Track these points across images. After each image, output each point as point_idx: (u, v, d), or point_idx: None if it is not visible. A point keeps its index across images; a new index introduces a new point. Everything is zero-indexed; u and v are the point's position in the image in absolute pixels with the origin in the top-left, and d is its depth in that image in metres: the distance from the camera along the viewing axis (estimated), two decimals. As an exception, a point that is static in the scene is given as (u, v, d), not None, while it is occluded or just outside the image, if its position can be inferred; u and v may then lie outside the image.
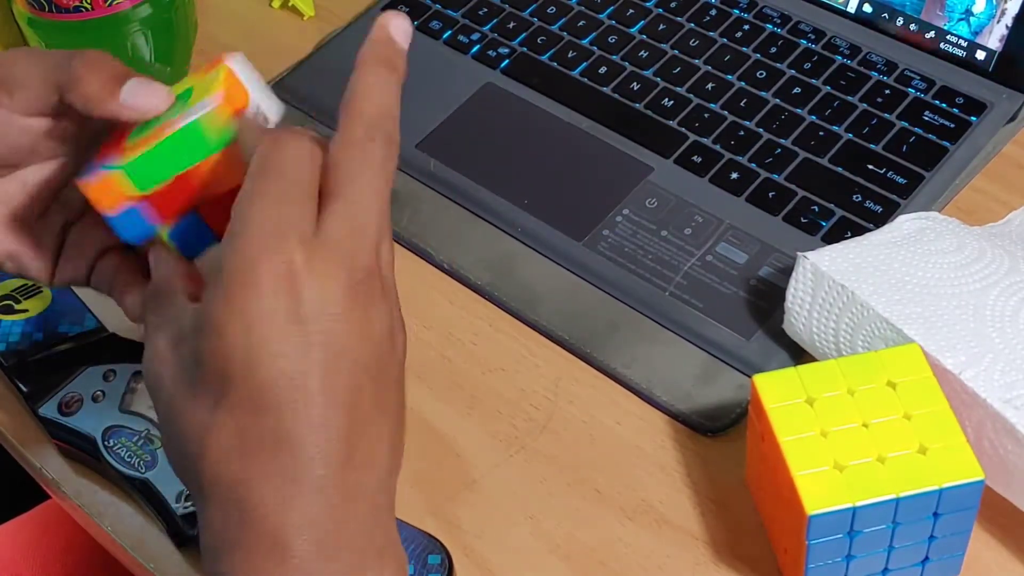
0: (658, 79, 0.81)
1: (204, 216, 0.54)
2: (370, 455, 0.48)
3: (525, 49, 0.84)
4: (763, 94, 0.79)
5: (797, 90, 0.78)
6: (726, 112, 0.78)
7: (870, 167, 0.74)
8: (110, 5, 0.80)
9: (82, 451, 0.66)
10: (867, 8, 0.81)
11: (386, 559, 0.48)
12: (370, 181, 0.49)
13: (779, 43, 0.81)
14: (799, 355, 0.67)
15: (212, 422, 0.46)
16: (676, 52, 0.82)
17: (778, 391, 0.57)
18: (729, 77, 0.80)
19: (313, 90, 0.68)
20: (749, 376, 0.59)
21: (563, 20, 0.85)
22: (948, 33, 0.78)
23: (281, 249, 0.46)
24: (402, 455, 0.50)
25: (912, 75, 0.78)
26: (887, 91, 0.77)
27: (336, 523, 0.46)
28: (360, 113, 0.50)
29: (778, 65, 0.80)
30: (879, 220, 0.71)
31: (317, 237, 0.47)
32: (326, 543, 0.46)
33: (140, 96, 0.54)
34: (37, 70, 0.55)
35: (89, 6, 0.79)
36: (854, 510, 0.53)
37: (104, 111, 0.54)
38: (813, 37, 0.81)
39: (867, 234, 0.66)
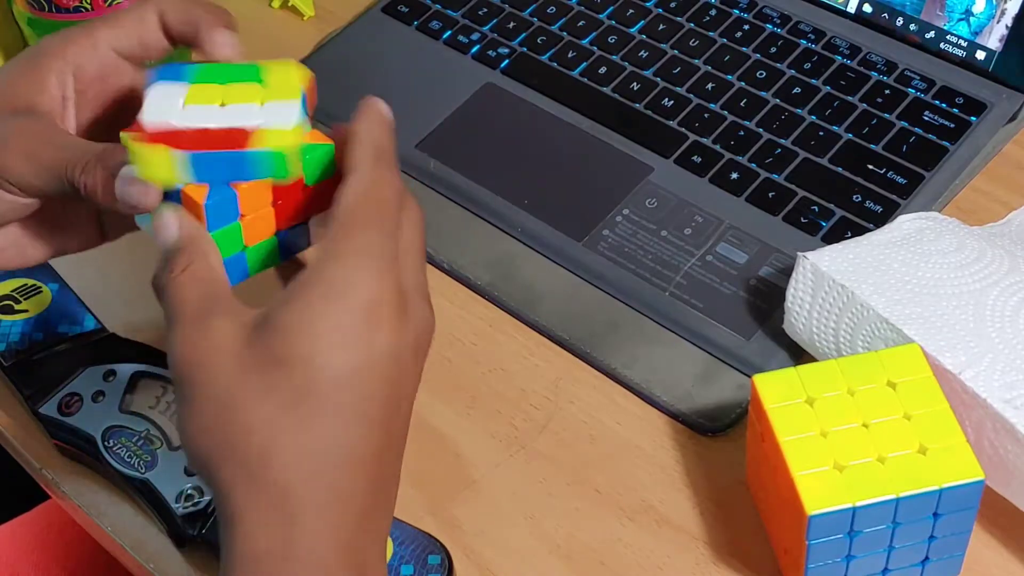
0: (658, 79, 0.81)
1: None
2: (390, 495, 0.50)
3: (525, 49, 0.84)
4: (763, 94, 0.79)
5: (797, 90, 0.78)
6: (726, 112, 0.78)
7: (870, 167, 0.74)
8: (110, 5, 0.80)
9: (82, 451, 0.66)
10: (867, 8, 0.81)
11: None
12: (417, 237, 0.52)
13: (779, 43, 0.81)
14: (799, 355, 0.67)
15: (285, 426, 0.46)
16: (676, 52, 0.82)
17: (778, 391, 0.57)
18: (729, 77, 0.80)
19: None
20: (749, 376, 0.59)
21: (563, 20, 0.85)
22: (948, 33, 0.78)
23: (384, 283, 0.48)
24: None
25: (912, 75, 0.78)
26: (887, 91, 0.77)
27: (366, 557, 0.48)
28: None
29: (778, 65, 0.80)
30: (879, 220, 0.71)
31: (401, 286, 0.49)
32: (359, 574, 0.47)
33: (132, 198, 0.53)
34: (32, 179, 0.56)
35: (89, 6, 0.79)
36: (854, 510, 0.53)
37: (109, 207, 0.55)
38: (813, 37, 0.81)
39: (867, 234, 0.66)
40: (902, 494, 0.53)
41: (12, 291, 0.71)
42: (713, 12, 0.83)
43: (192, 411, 0.48)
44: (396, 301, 0.48)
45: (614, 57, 0.82)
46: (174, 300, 0.50)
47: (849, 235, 0.71)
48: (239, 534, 0.47)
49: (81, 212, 0.60)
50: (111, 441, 0.65)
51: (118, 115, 0.61)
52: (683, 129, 0.78)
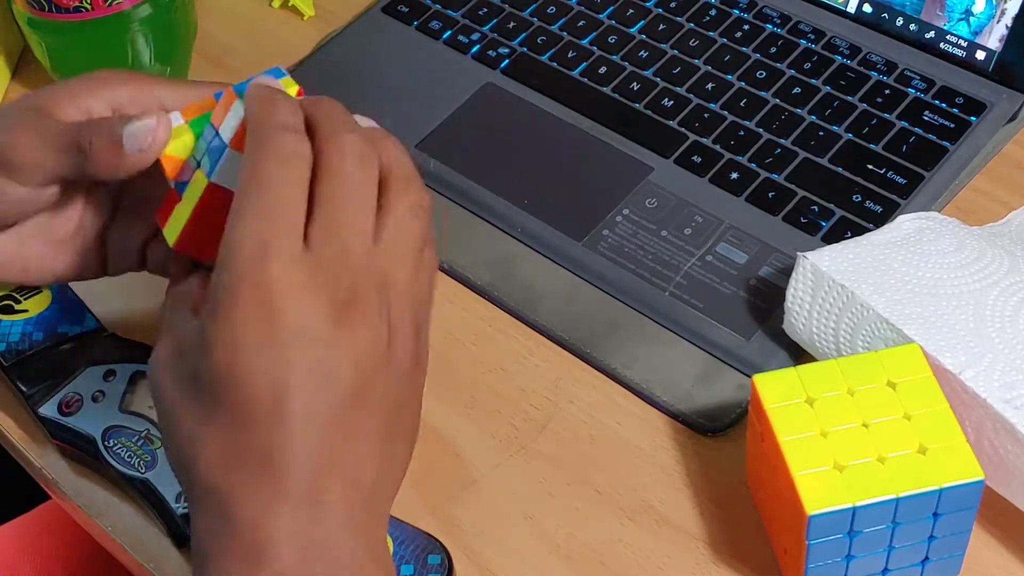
0: (658, 79, 0.81)
1: None
2: (354, 472, 0.49)
3: (525, 49, 0.84)
4: (763, 94, 0.79)
5: (797, 90, 0.78)
6: (726, 112, 0.78)
7: (870, 167, 0.74)
8: (110, 5, 0.80)
9: (82, 451, 0.66)
10: (867, 8, 0.81)
11: (369, 572, 0.49)
12: (354, 191, 0.50)
13: (779, 43, 0.81)
14: (799, 355, 0.67)
15: (202, 433, 0.48)
16: (676, 52, 0.82)
17: (778, 391, 0.57)
18: (729, 77, 0.80)
19: (313, 90, 0.68)
20: (749, 376, 0.59)
21: (563, 20, 0.85)
22: (948, 33, 0.78)
23: (261, 271, 0.47)
24: (401, 473, 0.51)
25: (912, 75, 0.78)
26: (887, 91, 0.77)
27: (317, 535, 0.47)
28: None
29: (778, 65, 0.80)
30: (879, 220, 0.71)
31: (304, 253, 0.48)
32: (309, 554, 0.47)
33: (140, 139, 0.55)
34: (39, 154, 0.57)
35: (89, 6, 0.79)
36: (854, 510, 0.53)
37: (118, 175, 0.56)
38: (813, 37, 0.81)
39: (867, 234, 0.66)
40: (902, 494, 0.53)
41: (12, 291, 0.71)
42: (713, 12, 0.83)
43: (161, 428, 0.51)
44: (284, 281, 0.47)
45: (614, 57, 0.82)
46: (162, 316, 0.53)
47: (849, 235, 0.71)
48: (192, 537, 0.49)
49: (89, 234, 0.61)
50: (111, 441, 0.65)
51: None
52: (683, 129, 0.78)
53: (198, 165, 0.55)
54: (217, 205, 0.53)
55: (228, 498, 0.47)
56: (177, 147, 0.55)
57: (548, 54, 0.83)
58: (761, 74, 0.80)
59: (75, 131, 0.56)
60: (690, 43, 0.82)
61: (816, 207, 0.73)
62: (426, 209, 0.54)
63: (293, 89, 0.55)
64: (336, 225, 0.49)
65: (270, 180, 0.49)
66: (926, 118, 0.76)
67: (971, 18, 0.77)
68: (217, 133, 0.54)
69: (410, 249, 0.52)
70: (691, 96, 0.79)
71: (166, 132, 0.55)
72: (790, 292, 0.65)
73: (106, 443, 0.65)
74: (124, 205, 0.62)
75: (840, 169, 0.74)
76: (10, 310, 0.71)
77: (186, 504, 0.63)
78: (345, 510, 0.48)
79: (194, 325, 0.49)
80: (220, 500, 0.47)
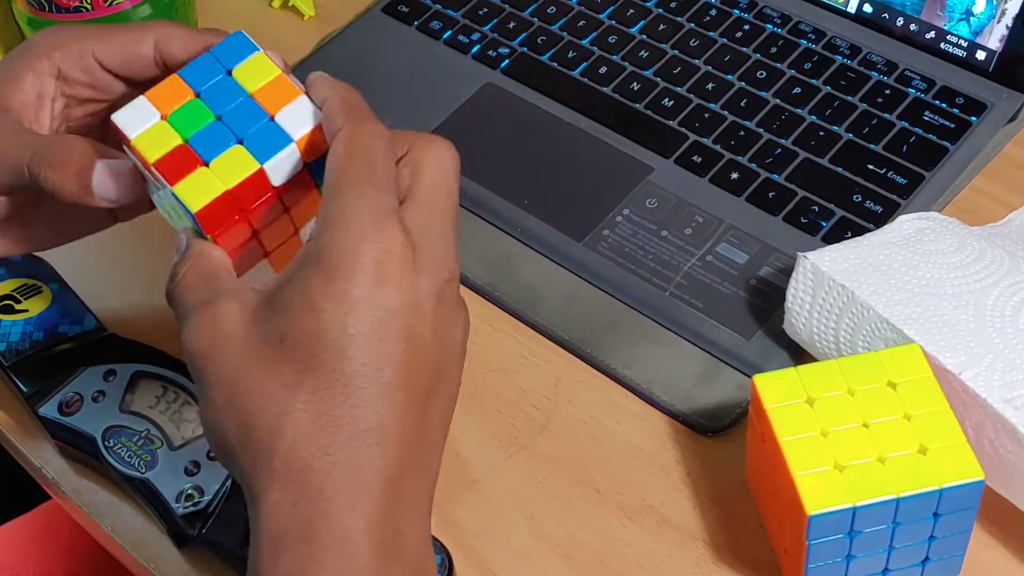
0: (658, 79, 0.81)
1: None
2: (427, 459, 0.48)
3: (525, 49, 0.84)
4: (763, 94, 0.79)
5: (797, 90, 0.78)
6: (726, 112, 0.78)
7: (870, 167, 0.74)
8: (110, 5, 0.80)
9: (82, 451, 0.66)
10: (867, 8, 0.81)
11: (428, 568, 0.48)
12: (438, 184, 0.50)
13: (779, 43, 0.81)
14: (799, 355, 0.67)
15: (292, 402, 0.46)
16: (676, 52, 0.82)
17: (778, 391, 0.57)
18: (729, 77, 0.80)
19: (313, 90, 0.68)
20: (749, 376, 0.59)
21: (563, 20, 0.85)
22: (948, 33, 0.78)
23: (383, 238, 0.47)
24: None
25: (912, 75, 0.78)
26: (887, 91, 0.77)
27: (400, 526, 0.46)
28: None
29: (778, 65, 0.80)
30: (879, 220, 0.71)
31: (407, 240, 0.48)
32: (390, 546, 0.46)
33: (110, 187, 0.55)
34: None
35: (89, 6, 0.79)
36: (854, 510, 0.53)
37: (76, 201, 0.55)
38: (813, 37, 0.81)
39: (867, 234, 0.66)
40: (902, 494, 0.53)
41: (12, 291, 0.71)
42: (713, 12, 0.83)
43: (206, 400, 0.48)
44: (399, 254, 0.47)
45: (614, 57, 0.82)
46: (180, 300, 0.50)
47: (849, 235, 0.71)
48: (261, 517, 0.46)
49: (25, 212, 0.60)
50: (111, 441, 0.65)
51: (104, 126, 0.61)
52: (683, 129, 0.78)
53: (219, 142, 0.53)
54: (255, 189, 0.53)
55: (321, 475, 0.45)
56: (155, 143, 0.53)
57: (548, 54, 0.83)
58: (761, 74, 0.80)
59: (33, 157, 0.55)
60: (690, 43, 0.82)
61: (816, 207, 0.73)
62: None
63: (273, 70, 0.55)
64: (436, 212, 0.50)
65: (381, 156, 0.49)
66: (926, 118, 0.76)
67: (971, 18, 0.77)
68: (277, 126, 0.53)
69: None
70: (691, 96, 0.79)
71: (138, 181, 0.55)
72: (790, 292, 0.65)
73: (106, 443, 0.65)
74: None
75: (840, 169, 0.74)
76: (10, 310, 0.71)
77: (186, 504, 0.63)
78: (423, 497, 0.48)
79: (271, 290, 0.47)
80: (309, 476, 0.45)
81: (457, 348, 0.49)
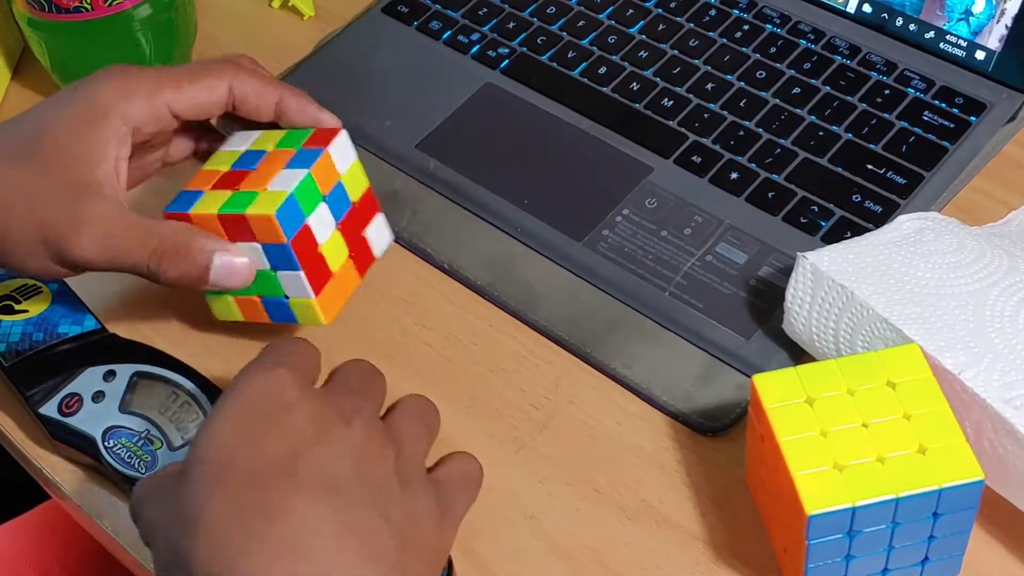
0: (658, 79, 0.81)
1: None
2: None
3: (525, 49, 0.84)
4: (763, 94, 0.79)
5: (797, 90, 0.78)
6: (726, 112, 0.78)
7: (870, 167, 0.74)
8: (110, 5, 0.80)
9: (82, 451, 0.66)
10: (867, 8, 0.81)
11: None
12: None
13: (779, 43, 0.81)
14: (799, 355, 0.67)
15: (162, 516, 0.52)
16: (676, 52, 0.82)
17: (778, 391, 0.57)
18: (729, 77, 0.80)
19: (313, 90, 0.68)
20: (749, 376, 0.59)
21: (563, 20, 0.85)
22: (948, 33, 0.78)
23: (279, 378, 0.53)
24: None
25: (912, 75, 0.78)
26: (887, 91, 0.77)
27: None
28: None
29: (778, 65, 0.80)
30: (879, 220, 0.71)
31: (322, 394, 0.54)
32: None
33: (228, 278, 0.62)
34: (105, 253, 0.62)
35: (89, 6, 0.79)
36: (854, 510, 0.53)
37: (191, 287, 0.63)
38: (813, 37, 0.81)
39: (867, 234, 0.66)
40: (902, 494, 0.53)
41: (12, 291, 0.72)
42: (713, 12, 0.83)
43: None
44: (284, 390, 0.52)
45: (614, 57, 0.82)
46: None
47: (849, 235, 0.71)
48: None
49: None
50: (111, 441, 0.65)
51: (149, 175, 0.65)
52: (683, 129, 0.78)
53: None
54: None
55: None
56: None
57: (548, 54, 0.83)
58: (761, 74, 0.80)
59: (152, 257, 0.61)
60: (690, 43, 0.82)
61: (816, 207, 0.73)
62: None
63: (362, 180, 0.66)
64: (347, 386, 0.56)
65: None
66: (926, 118, 0.76)
67: (971, 18, 0.77)
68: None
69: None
70: (691, 96, 0.79)
71: (250, 273, 0.62)
72: (790, 292, 0.65)
73: (106, 443, 0.65)
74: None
75: (840, 169, 0.74)
76: (10, 310, 0.71)
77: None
78: None
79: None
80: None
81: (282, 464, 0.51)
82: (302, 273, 0.62)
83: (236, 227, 0.62)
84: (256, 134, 0.67)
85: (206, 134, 0.69)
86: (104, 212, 0.60)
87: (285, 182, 0.62)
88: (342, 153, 0.65)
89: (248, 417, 0.51)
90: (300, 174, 0.62)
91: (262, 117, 0.66)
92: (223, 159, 0.66)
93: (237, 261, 0.62)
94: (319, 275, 0.63)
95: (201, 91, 0.63)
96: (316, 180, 0.63)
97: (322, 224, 0.63)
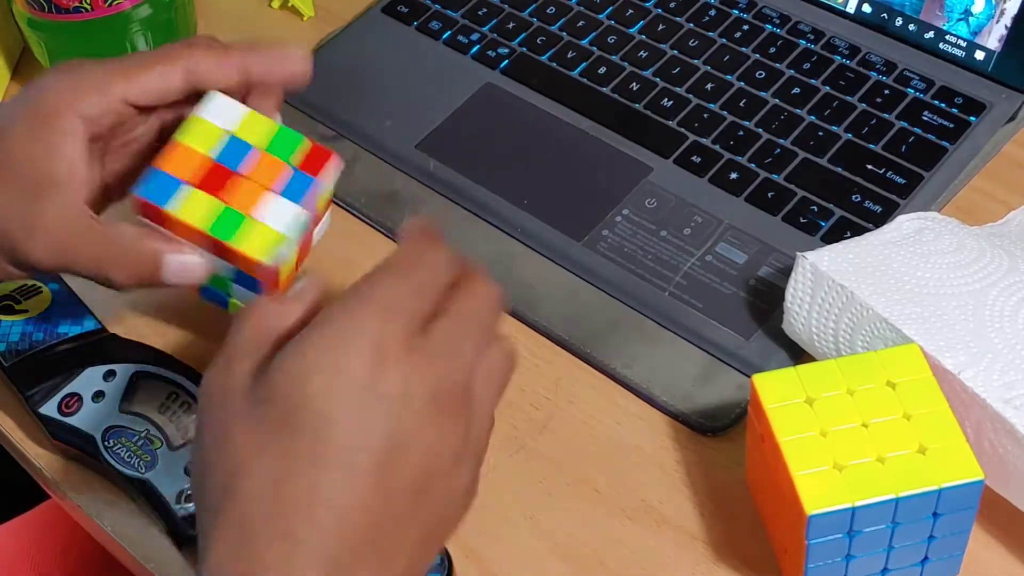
0: (657, 79, 0.81)
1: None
2: (387, 560, 0.47)
3: (525, 49, 0.84)
4: (762, 94, 0.79)
5: (796, 90, 0.78)
6: (725, 112, 0.78)
7: (869, 167, 0.74)
8: (110, 5, 0.80)
9: (82, 451, 0.66)
10: (866, 8, 0.81)
11: None
12: (475, 309, 0.51)
13: (778, 43, 0.81)
14: (799, 355, 0.67)
15: (253, 465, 0.46)
16: (675, 52, 0.82)
17: (778, 391, 0.57)
18: (728, 77, 0.80)
19: (313, 90, 0.68)
20: (749, 376, 0.59)
21: (563, 20, 0.85)
22: (947, 33, 0.78)
23: (387, 324, 0.47)
24: (425, 569, 0.50)
25: (911, 75, 0.78)
26: (886, 91, 0.77)
27: None
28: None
29: (777, 65, 0.80)
30: (878, 220, 0.71)
31: (419, 336, 0.48)
32: None
33: (183, 276, 0.61)
34: (59, 259, 0.60)
35: (89, 6, 0.79)
36: (854, 510, 0.53)
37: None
38: (812, 37, 0.81)
39: (866, 234, 0.66)
40: (902, 494, 0.53)
41: (12, 291, 0.72)
42: (713, 12, 0.83)
43: (196, 439, 0.49)
44: (402, 343, 0.47)
45: (614, 57, 0.82)
46: (232, 332, 0.50)
47: (848, 235, 0.71)
48: (206, 560, 0.46)
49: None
50: (111, 441, 0.65)
51: (134, 162, 0.63)
52: (683, 129, 0.78)
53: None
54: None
55: (262, 546, 0.45)
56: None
57: (548, 54, 0.83)
58: (760, 74, 0.80)
59: (104, 265, 0.60)
60: (690, 43, 0.82)
61: (816, 207, 0.73)
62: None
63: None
64: (462, 329, 0.50)
65: (428, 265, 0.51)
66: (925, 118, 0.76)
67: (970, 18, 0.77)
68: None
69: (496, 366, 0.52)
70: (691, 96, 0.79)
71: (206, 269, 0.61)
72: (789, 292, 0.65)
73: (106, 443, 0.65)
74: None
75: (839, 169, 0.74)
76: (10, 310, 0.71)
77: (186, 504, 0.63)
78: None
79: (293, 345, 0.47)
80: (253, 545, 0.45)
81: (444, 462, 0.48)
82: (260, 293, 0.61)
83: (220, 249, 0.60)
84: (239, 110, 0.62)
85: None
86: (56, 215, 0.58)
87: (278, 216, 0.60)
88: (330, 178, 0.62)
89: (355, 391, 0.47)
90: (294, 211, 0.60)
91: (232, 86, 0.62)
92: (201, 134, 0.61)
93: (189, 259, 0.60)
94: (271, 287, 0.61)
95: (152, 78, 0.60)
96: (308, 217, 0.61)
97: (292, 250, 0.61)
